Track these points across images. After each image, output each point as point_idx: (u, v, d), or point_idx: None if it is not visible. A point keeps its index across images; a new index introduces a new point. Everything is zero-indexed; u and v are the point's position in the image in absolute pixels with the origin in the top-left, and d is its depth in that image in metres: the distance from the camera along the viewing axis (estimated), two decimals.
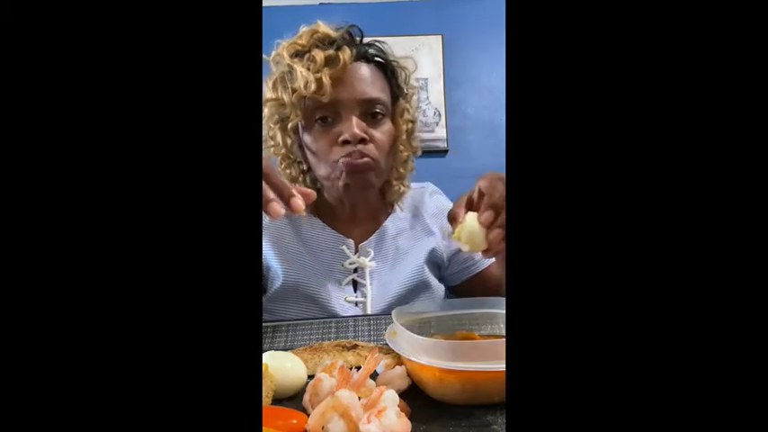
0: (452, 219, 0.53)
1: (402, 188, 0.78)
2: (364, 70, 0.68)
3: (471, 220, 0.50)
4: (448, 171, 2.14)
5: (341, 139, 0.66)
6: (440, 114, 2.15)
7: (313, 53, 0.65)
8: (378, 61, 0.71)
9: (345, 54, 0.64)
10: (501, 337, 0.51)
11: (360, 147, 0.65)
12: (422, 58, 2.15)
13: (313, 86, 0.63)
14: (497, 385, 0.39)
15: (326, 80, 0.63)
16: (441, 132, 2.14)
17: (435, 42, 2.17)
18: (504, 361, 0.35)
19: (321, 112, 0.67)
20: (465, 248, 0.51)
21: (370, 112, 0.68)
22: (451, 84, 2.18)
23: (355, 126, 0.65)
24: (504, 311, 0.51)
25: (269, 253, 0.74)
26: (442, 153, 2.15)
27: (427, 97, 2.15)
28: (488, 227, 0.49)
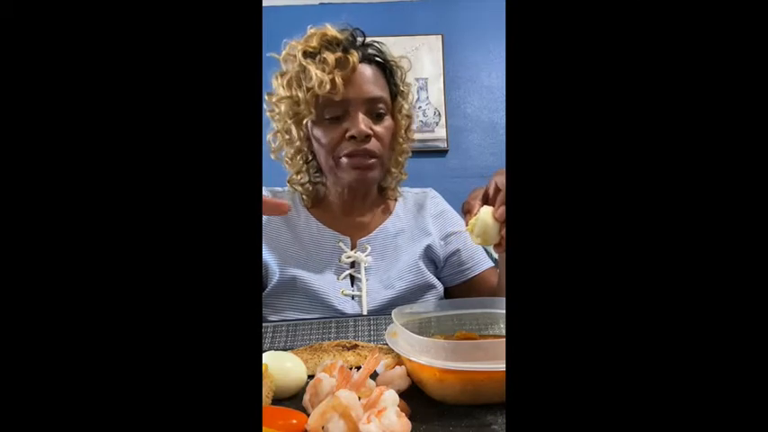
0: (467, 210, 0.54)
1: (400, 176, 0.84)
2: (368, 71, 0.74)
3: (485, 213, 0.51)
4: (448, 171, 2.14)
5: (348, 134, 0.72)
6: (440, 114, 2.15)
7: (324, 55, 0.70)
8: (378, 62, 0.77)
9: (354, 57, 0.71)
10: (501, 337, 0.51)
11: (365, 144, 0.72)
12: (422, 58, 2.15)
13: (328, 86, 0.69)
14: (497, 385, 0.39)
15: (339, 80, 0.69)
16: (441, 132, 2.14)
17: (435, 42, 2.17)
18: (504, 361, 0.35)
19: (332, 110, 0.72)
20: (477, 241, 0.51)
21: (374, 110, 0.74)
22: (451, 84, 2.18)
23: (362, 123, 0.71)
24: (505, 311, 0.51)
25: (266, 250, 0.76)
26: (442, 153, 2.16)
27: (427, 97, 2.15)
28: (503, 222, 0.49)
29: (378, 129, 0.74)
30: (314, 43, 0.72)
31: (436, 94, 2.16)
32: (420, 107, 2.13)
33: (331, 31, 0.73)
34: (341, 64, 0.70)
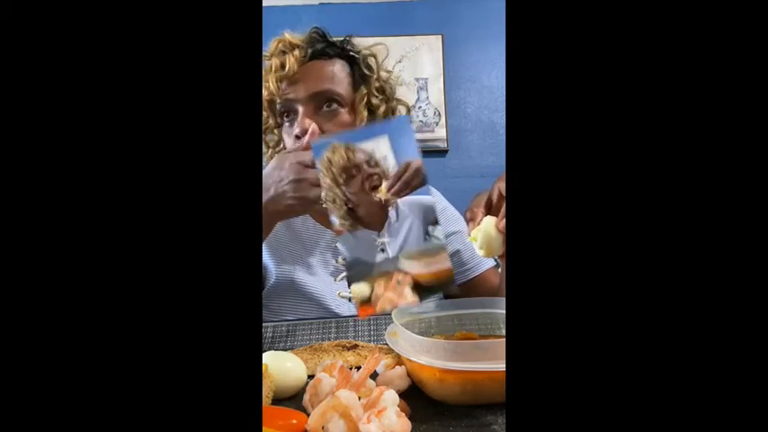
0: (470, 219, 0.53)
1: None
2: (317, 66, 0.71)
3: (488, 225, 0.50)
4: (448, 171, 2.14)
5: (293, 134, 0.70)
6: (440, 114, 2.15)
7: (271, 61, 0.70)
8: (339, 55, 0.74)
9: (291, 58, 0.69)
10: (501, 337, 0.51)
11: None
12: (422, 57, 2.14)
13: (264, 92, 0.70)
14: (497, 385, 0.39)
15: (273, 84, 0.69)
16: (441, 132, 2.14)
17: (435, 42, 2.17)
18: (504, 361, 0.35)
19: (282, 110, 0.72)
20: (481, 253, 0.50)
21: (322, 106, 0.70)
22: (451, 84, 2.17)
23: (304, 121, 0.68)
24: (505, 311, 0.51)
25: (263, 251, 0.75)
26: (442, 153, 2.15)
27: (427, 97, 2.15)
28: (506, 234, 0.48)
29: (329, 126, 0.69)
30: (268, 52, 0.71)
31: (436, 94, 2.16)
32: (420, 107, 2.13)
33: (288, 36, 0.72)
34: (281, 66, 0.69)
